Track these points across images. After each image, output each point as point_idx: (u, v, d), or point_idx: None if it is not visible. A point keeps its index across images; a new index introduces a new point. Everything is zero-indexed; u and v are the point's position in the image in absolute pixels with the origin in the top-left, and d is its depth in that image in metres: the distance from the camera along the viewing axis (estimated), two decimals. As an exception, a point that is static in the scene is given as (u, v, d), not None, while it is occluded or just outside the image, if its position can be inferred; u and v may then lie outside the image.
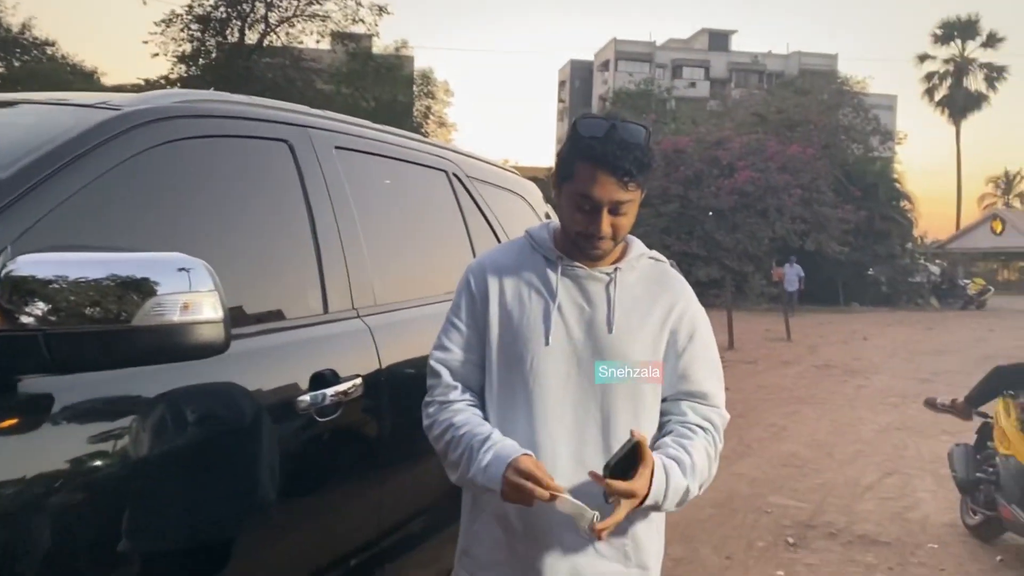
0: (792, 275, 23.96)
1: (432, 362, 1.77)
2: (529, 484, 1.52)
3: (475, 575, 1.75)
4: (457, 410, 1.71)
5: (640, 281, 1.74)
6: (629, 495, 1.53)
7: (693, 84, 62.67)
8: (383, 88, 31.31)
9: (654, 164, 1.67)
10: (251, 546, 1.90)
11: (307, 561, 2.07)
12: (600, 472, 1.53)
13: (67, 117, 1.81)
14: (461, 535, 1.81)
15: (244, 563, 1.87)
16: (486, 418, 1.72)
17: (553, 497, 1.52)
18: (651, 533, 1.74)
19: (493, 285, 1.74)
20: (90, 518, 1.54)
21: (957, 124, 53.72)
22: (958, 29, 52.16)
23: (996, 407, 5.02)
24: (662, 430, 1.72)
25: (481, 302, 1.74)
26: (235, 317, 1.75)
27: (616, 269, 1.72)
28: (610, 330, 1.67)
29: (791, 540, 4.87)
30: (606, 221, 1.63)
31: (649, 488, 1.55)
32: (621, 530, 1.67)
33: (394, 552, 2.36)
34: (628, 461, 1.54)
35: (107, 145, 1.73)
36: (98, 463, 1.55)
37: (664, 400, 1.73)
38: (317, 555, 2.09)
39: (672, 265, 1.90)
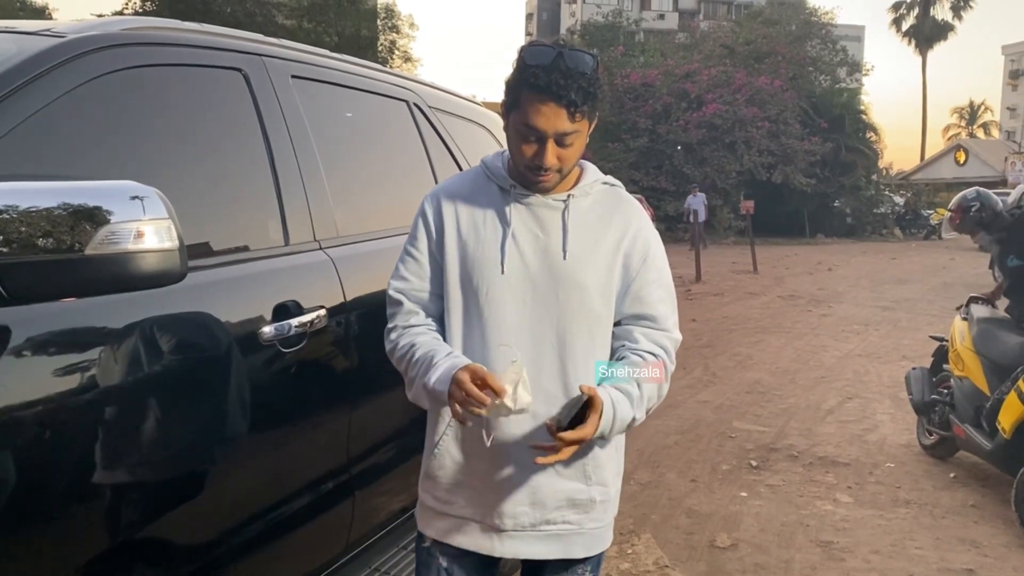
0: (698, 204, 21.52)
1: (391, 291, 1.77)
2: (469, 386, 1.52)
3: (438, 497, 1.77)
4: (419, 332, 1.73)
5: (594, 207, 1.74)
6: (579, 441, 1.56)
7: (662, 16, 61.94)
8: (346, 22, 30.51)
9: (602, 94, 1.64)
10: (219, 475, 1.92)
11: (276, 489, 2.09)
12: (550, 424, 1.56)
13: (9, 45, 1.75)
14: (424, 461, 1.83)
15: (213, 492, 1.90)
16: (452, 333, 1.73)
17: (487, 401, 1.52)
18: (610, 451, 1.78)
19: (449, 215, 1.74)
20: (54, 451, 1.54)
21: (923, 54, 53.78)
22: (926, -43, 51.85)
23: (951, 330, 5.16)
24: (614, 355, 1.74)
25: (437, 232, 1.74)
26: (194, 249, 1.74)
27: (569, 196, 1.72)
28: (564, 256, 1.68)
29: (754, 463, 5.02)
30: (551, 152, 1.61)
31: (597, 426, 1.58)
32: (581, 450, 1.70)
33: (363, 480, 2.40)
34: (579, 412, 1.57)
35: (51, 74, 1.69)
36: (59, 396, 1.55)
37: (617, 324, 1.75)
38: (286, 483, 2.12)
39: (640, 201, 1.90)
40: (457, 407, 1.55)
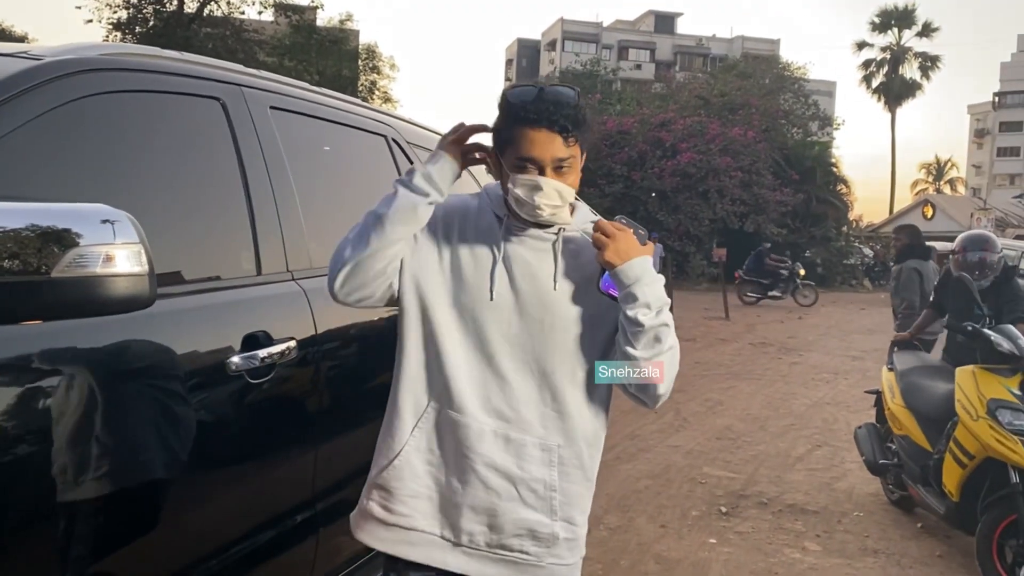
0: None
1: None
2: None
3: (389, 508, 1.72)
4: None
5: (583, 241, 1.74)
6: (613, 232, 1.62)
7: (639, 66, 63.07)
8: (327, 62, 30.73)
9: (589, 122, 1.67)
10: (179, 508, 1.87)
11: (238, 524, 2.05)
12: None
13: (-16, 66, 1.73)
14: (375, 472, 1.75)
15: (172, 525, 1.85)
16: (422, 345, 1.71)
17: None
18: (582, 489, 1.76)
19: (450, 223, 1.74)
20: (12, 479, 1.50)
21: (892, 111, 55.09)
22: (895, 18, 53.43)
23: (882, 383, 5.12)
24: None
25: (431, 230, 1.73)
26: (165, 276, 1.72)
27: (561, 229, 1.73)
28: (554, 287, 1.69)
29: (724, 509, 4.99)
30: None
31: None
32: (550, 484, 1.70)
33: (329, 516, 2.35)
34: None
35: (26, 95, 1.67)
36: (19, 422, 1.51)
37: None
38: (248, 518, 2.08)
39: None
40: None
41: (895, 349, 5.17)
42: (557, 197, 1.63)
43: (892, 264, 7.56)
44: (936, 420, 4.38)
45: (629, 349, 1.64)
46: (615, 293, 1.63)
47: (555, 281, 1.69)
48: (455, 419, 1.67)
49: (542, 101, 1.60)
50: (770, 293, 21.00)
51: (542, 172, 1.62)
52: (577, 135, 1.63)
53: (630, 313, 1.61)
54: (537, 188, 1.62)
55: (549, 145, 1.60)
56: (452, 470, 1.69)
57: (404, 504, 1.71)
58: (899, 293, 7.13)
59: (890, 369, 5.01)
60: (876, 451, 5.12)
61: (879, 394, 5.35)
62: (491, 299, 1.68)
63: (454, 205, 1.79)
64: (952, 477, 4.08)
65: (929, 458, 4.40)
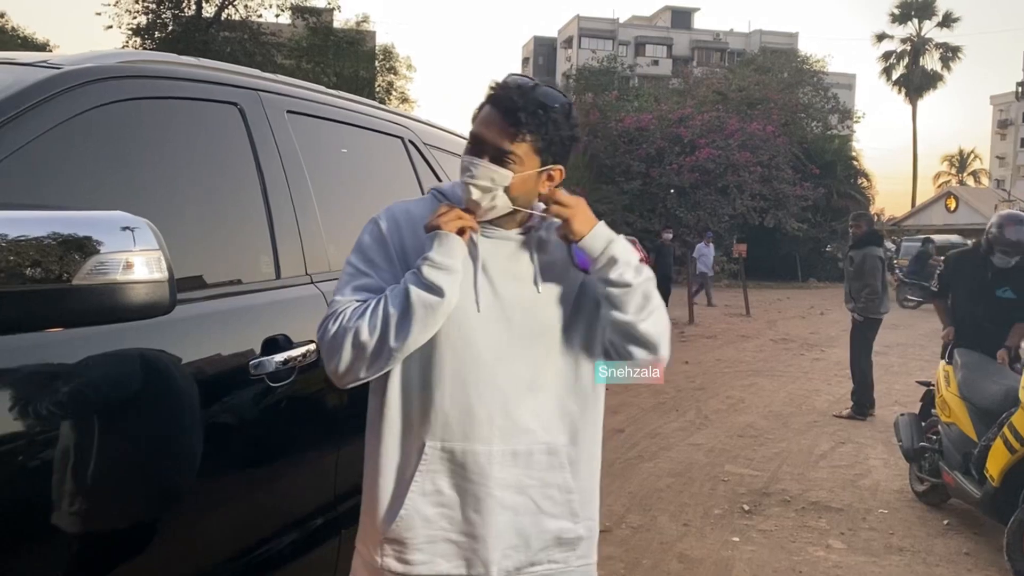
0: (709, 255, 18.76)
1: (337, 300, 1.59)
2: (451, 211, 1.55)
3: (408, 560, 1.62)
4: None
5: (546, 225, 1.67)
6: (570, 200, 1.55)
7: (656, 62, 62.83)
8: (345, 63, 30.87)
9: (560, 132, 1.57)
10: (201, 511, 1.88)
11: (263, 525, 2.06)
12: None
13: (5, 75, 1.75)
14: (381, 526, 1.62)
15: (198, 527, 1.86)
16: (404, 380, 1.62)
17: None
18: (593, 485, 1.73)
19: (410, 238, 1.62)
20: (42, 482, 1.52)
21: (913, 103, 54.50)
22: (915, 9, 52.87)
23: (937, 375, 5.14)
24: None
25: (399, 253, 1.62)
26: (185, 282, 1.73)
27: (530, 228, 1.66)
28: (538, 289, 1.63)
29: (747, 507, 4.96)
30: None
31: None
32: (565, 486, 1.66)
33: (350, 518, 2.35)
34: None
35: (46, 104, 1.69)
36: (44, 427, 1.53)
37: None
38: (271, 520, 2.09)
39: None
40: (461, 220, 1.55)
41: (954, 347, 5.16)
42: (489, 180, 1.54)
43: (850, 250, 7.92)
44: (989, 412, 4.41)
45: (618, 315, 1.57)
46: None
47: (536, 283, 1.63)
48: (462, 449, 1.58)
49: (519, 90, 1.55)
50: None
51: (480, 156, 1.55)
52: (530, 137, 1.54)
53: (613, 276, 1.55)
54: (467, 169, 1.56)
55: (495, 131, 1.53)
56: (466, 503, 1.60)
57: (421, 551, 1.61)
58: (861, 278, 7.52)
59: (948, 363, 5.04)
60: (915, 438, 5.21)
61: (929, 387, 5.39)
62: (478, 311, 1.59)
63: (413, 213, 1.68)
64: (998, 462, 4.09)
65: (973, 446, 4.44)
